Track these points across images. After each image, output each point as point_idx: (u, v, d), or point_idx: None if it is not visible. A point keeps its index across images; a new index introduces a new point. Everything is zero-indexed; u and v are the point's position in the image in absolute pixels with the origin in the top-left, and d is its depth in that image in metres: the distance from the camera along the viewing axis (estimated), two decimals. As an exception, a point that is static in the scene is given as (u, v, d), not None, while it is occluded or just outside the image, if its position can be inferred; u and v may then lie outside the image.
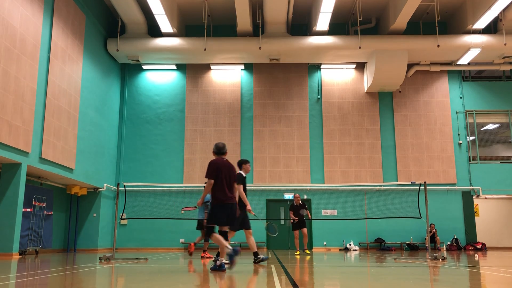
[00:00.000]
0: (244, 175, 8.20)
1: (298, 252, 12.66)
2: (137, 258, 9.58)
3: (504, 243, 18.87)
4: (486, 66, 18.49)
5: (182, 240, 17.42)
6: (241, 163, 8.27)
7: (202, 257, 10.30)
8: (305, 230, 12.74)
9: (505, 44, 16.57)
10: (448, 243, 17.34)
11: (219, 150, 6.37)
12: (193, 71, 18.91)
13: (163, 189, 17.48)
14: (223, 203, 6.10)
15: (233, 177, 6.35)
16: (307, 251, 12.82)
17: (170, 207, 16.97)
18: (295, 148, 18.23)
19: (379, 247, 17.27)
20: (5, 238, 11.17)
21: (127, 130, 18.54)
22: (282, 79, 18.85)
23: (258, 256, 7.92)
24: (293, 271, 6.28)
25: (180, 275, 5.68)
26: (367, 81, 18.32)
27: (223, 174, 6.14)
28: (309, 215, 13.14)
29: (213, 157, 6.49)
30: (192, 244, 11.53)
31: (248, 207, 7.97)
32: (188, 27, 18.90)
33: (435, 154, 18.21)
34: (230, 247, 5.87)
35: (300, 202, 12.90)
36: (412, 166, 18.10)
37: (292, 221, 12.82)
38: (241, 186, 7.93)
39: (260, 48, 16.74)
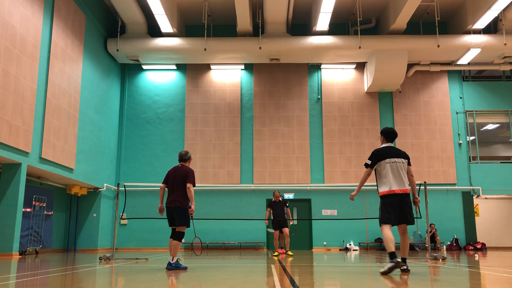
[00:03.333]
0: None
1: (276, 253, 12.06)
2: (137, 258, 9.58)
3: (504, 243, 18.86)
4: (486, 66, 18.49)
5: (182, 240, 17.41)
6: None
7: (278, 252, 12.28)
8: (286, 230, 12.27)
9: (505, 44, 16.57)
10: (448, 243, 17.34)
11: (179, 157, 6.90)
12: (193, 71, 18.91)
13: (163, 189, 17.48)
14: (167, 207, 6.80)
15: (179, 179, 6.63)
16: (289, 253, 12.30)
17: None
18: (295, 148, 18.23)
19: (379, 247, 17.27)
20: (5, 238, 11.17)
21: (127, 130, 18.53)
22: (282, 79, 18.85)
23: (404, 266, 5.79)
24: (293, 271, 6.28)
25: (180, 274, 5.68)
26: (367, 81, 18.32)
27: (170, 180, 6.74)
28: (290, 215, 12.45)
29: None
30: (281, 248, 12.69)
31: None
32: (188, 27, 18.89)
33: (435, 154, 18.21)
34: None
35: (280, 199, 12.44)
36: (412, 166, 18.06)
37: (268, 219, 12.45)
38: None
39: (260, 48, 16.74)
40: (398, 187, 5.83)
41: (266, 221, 12.58)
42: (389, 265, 5.51)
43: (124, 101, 18.69)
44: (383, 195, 5.90)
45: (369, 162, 6.01)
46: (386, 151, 6.00)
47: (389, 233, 5.78)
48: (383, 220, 5.87)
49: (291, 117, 18.49)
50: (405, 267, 5.62)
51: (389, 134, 6.15)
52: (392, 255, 5.55)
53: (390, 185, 5.85)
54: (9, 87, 10.83)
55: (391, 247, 5.64)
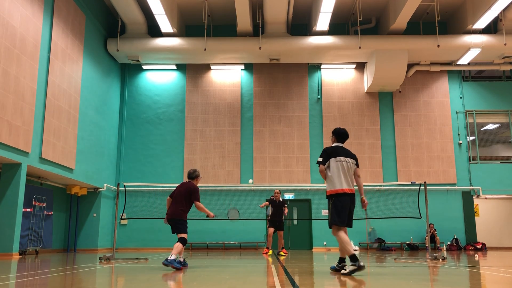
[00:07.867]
0: None
1: (270, 252, 12.36)
2: (137, 258, 9.58)
3: (504, 243, 18.87)
4: (486, 66, 18.49)
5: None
6: None
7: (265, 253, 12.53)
8: (281, 233, 12.49)
9: (505, 44, 16.57)
10: (448, 243, 17.34)
11: (188, 175, 7.24)
12: (193, 71, 18.90)
13: (163, 189, 17.46)
14: (166, 219, 7.04)
15: (181, 193, 6.96)
16: (282, 253, 12.31)
17: (170, 207, 16.93)
18: (295, 148, 18.23)
19: (379, 247, 17.27)
20: (5, 238, 11.17)
21: (127, 130, 18.53)
22: (282, 79, 18.85)
23: None
24: (293, 271, 6.28)
25: (180, 274, 5.68)
26: (367, 81, 18.32)
27: (175, 194, 7.07)
28: (286, 215, 12.52)
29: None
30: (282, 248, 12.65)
31: None
32: (188, 27, 18.89)
33: (435, 154, 18.21)
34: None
35: (281, 200, 12.56)
36: (412, 166, 18.10)
37: (268, 217, 12.51)
38: None
39: (260, 48, 16.74)
40: (348, 187, 5.83)
41: (265, 203, 12.70)
42: (351, 268, 5.48)
43: (124, 101, 18.69)
44: (333, 193, 5.82)
45: (320, 159, 6.05)
46: (337, 150, 6.09)
47: (345, 236, 5.75)
48: (336, 222, 5.75)
49: (291, 117, 18.49)
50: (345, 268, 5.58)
51: (340, 135, 6.31)
52: (354, 258, 5.50)
53: (341, 184, 5.81)
54: (9, 87, 10.83)
55: (350, 250, 5.60)
